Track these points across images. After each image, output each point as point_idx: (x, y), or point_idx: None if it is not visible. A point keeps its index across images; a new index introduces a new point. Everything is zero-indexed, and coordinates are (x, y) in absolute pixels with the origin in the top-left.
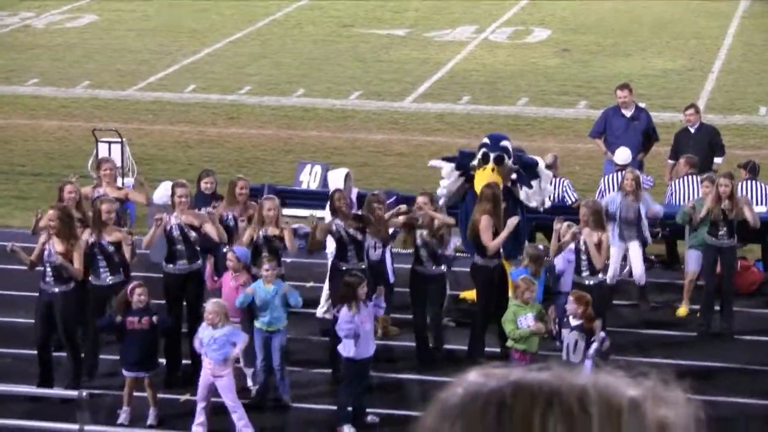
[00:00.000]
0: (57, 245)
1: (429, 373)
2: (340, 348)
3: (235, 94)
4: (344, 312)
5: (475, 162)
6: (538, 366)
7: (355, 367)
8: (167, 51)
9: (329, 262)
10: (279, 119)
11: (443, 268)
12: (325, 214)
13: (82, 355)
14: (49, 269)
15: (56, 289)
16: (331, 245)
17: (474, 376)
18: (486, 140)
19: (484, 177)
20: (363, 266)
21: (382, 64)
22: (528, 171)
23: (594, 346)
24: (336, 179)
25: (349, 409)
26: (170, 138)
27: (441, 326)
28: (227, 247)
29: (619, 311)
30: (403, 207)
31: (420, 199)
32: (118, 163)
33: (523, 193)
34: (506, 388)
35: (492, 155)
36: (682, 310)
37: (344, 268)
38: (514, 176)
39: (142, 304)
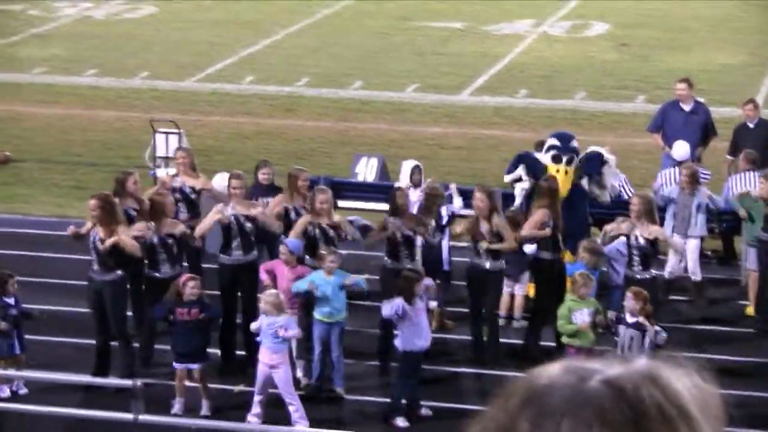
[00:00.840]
0: (101, 233)
1: (483, 367)
2: (396, 342)
3: (293, 86)
4: (397, 303)
5: (544, 161)
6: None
7: (410, 359)
8: (225, 42)
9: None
10: (336, 111)
11: (502, 263)
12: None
13: (137, 345)
14: (95, 258)
15: (103, 278)
16: None
17: (562, 372)
18: (555, 141)
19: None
20: (411, 266)
21: (439, 57)
22: (592, 163)
23: (647, 340)
24: (404, 171)
25: (403, 401)
26: (227, 129)
27: (497, 320)
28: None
29: (676, 306)
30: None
31: (478, 196)
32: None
33: (592, 188)
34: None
35: (564, 157)
36: (750, 309)
37: (395, 267)
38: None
39: (194, 296)
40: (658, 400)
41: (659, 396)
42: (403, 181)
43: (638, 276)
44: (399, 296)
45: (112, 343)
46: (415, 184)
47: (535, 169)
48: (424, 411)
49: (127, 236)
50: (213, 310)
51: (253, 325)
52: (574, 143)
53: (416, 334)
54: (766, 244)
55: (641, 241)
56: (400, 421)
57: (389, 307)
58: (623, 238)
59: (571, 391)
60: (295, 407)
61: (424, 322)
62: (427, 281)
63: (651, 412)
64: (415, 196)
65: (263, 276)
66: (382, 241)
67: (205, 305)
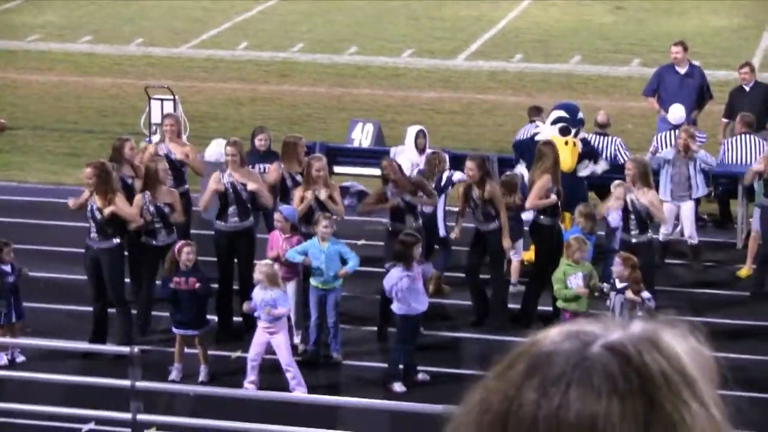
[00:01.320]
0: (97, 201)
1: (481, 332)
2: (393, 306)
3: (288, 52)
4: (396, 270)
5: (550, 133)
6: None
7: (408, 324)
8: (220, 9)
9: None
10: (331, 77)
11: (497, 223)
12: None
13: (134, 311)
14: (93, 225)
15: (100, 246)
16: None
17: (564, 338)
18: (563, 113)
19: (564, 150)
20: (416, 225)
21: (434, 21)
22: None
23: (639, 308)
24: (409, 135)
25: (401, 366)
26: (222, 96)
27: (501, 284)
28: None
29: (672, 270)
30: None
31: (468, 164)
32: None
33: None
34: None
35: (573, 129)
36: (743, 272)
37: (400, 230)
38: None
39: (190, 263)
40: (662, 366)
41: (663, 361)
42: (408, 145)
43: (634, 240)
44: (397, 262)
45: (109, 310)
46: (420, 149)
47: (531, 158)
48: (421, 376)
49: (124, 203)
50: (208, 286)
51: (245, 306)
52: (580, 115)
53: (413, 298)
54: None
55: (637, 205)
56: (398, 386)
57: (391, 281)
58: (620, 203)
59: (576, 358)
60: (292, 374)
61: (421, 286)
62: (427, 269)
63: (657, 379)
64: (419, 160)
65: (268, 250)
66: (379, 211)
67: (201, 274)
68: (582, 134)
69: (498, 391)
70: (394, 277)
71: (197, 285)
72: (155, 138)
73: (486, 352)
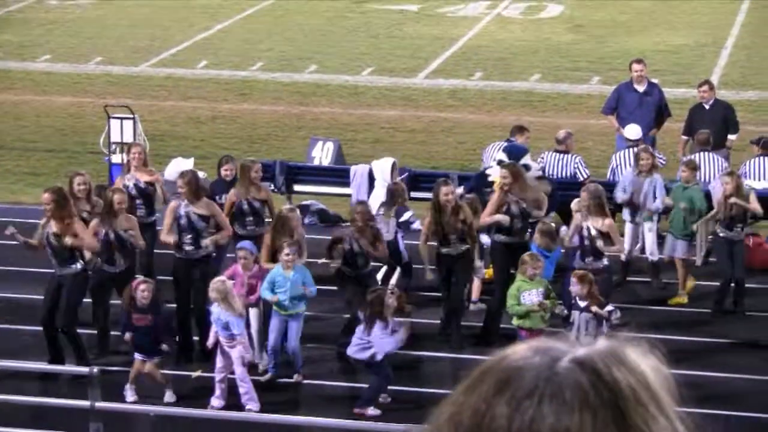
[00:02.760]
0: (54, 227)
1: (444, 351)
2: (373, 353)
3: (248, 70)
4: (377, 328)
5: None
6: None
7: (386, 361)
8: (179, 27)
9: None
10: (291, 95)
11: (467, 246)
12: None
13: (93, 332)
14: (50, 252)
15: (63, 272)
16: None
17: (532, 353)
18: (505, 156)
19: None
20: (369, 270)
21: (394, 40)
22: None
23: (605, 323)
24: (383, 169)
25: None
26: (182, 114)
27: (463, 305)
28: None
29: (632, 288)
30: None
31: (444, 190)
32: (130, 140)
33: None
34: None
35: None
36: (681, 299)
37: (351, 275)
38: None
39: (146, 300)
40: (630, 381)
41: (630, 377)
42: (383, 179)
43: (591, 267)
44: (373, 317)
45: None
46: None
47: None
48: (382, 398)
49: (83, 230)
50: (166, 324)
51: (210, 341)
52: (525, 160)
53: (389, 340)
54: (725, 241)
55: (593, 232)
56: (371, 411)
57: (387, 346)
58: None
59: (547, 372)
60: (245, 389)
61: (389, 329)
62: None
63: (627, 393)
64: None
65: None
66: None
67: (159, 310)
68: (532, 159)
69: (468, 406)
70: (388, 342)
71: (155, 318)
72: (115, 157)
73: (449, 371)
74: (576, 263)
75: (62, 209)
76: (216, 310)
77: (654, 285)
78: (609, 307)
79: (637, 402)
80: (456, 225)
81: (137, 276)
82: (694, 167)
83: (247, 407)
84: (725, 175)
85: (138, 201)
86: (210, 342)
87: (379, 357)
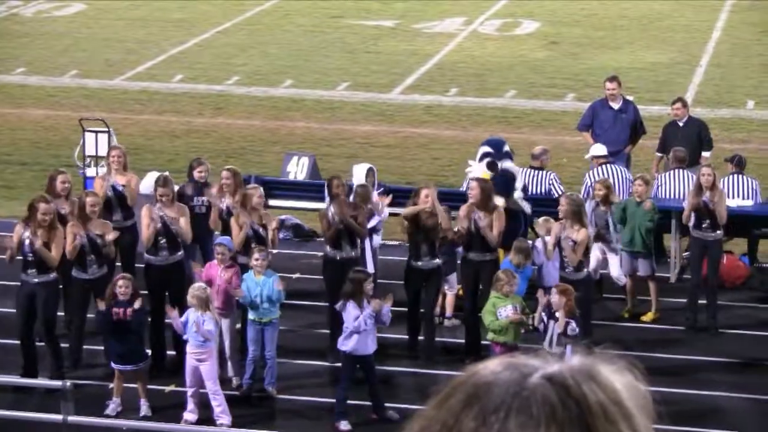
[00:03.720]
0: (41, 236)
1: (417, 366)
2: (340, 343)
3: (223, 85)
4: (350, 308)
5: (479, 168)
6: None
7: (352, 362)
8: (155, 41)
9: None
10: (266, 110)
11: (438, 261)
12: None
13: (67, 345)
14: (30, 260)
15: (37, 280)
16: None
17: (502, 368)
18: (488, 148)
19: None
20: (355, 254)
21: (370, 55)
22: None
23: (566, 332)
24: (359, 174)
25: (347, 403)
26: (157, 128)
27: (433, 320)
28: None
29: (606, 305)
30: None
31: (424, 192)
32: (104, 153)
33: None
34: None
35: (499, 163)
36: (649, 316)
37: (338, 257)
38: None
39: (126, 296)
40: (600, 398)
41: (600, 393)
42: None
43: (571, 277)
44: (349, 299)
45: (38, 343)
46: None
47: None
48: (390, 413)
49: (61, 241)
50: (140, 316)
51: (175, 323)
52: (506, 148)
53: (362, 337)
54: (697, 242)
55: (570, 242)
56: (344, 425)
57: (353, 321)
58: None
59: (516, 387)
60: (218, 402)
61: (371, 326)
62: (385, 309)
63: (595, 410)
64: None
65: (198, 276)
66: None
67: (139, 306)
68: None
69: (437, 421)
70: (354, 316)
71: (129, 310)
72: (89, 171)
73: (423, 385)
74: (556, 275)
75: (54, 221)
76: (193, 316)
77: (628, 301)
78: (572, 324)
79: (607, 418)
80: (431, 228)
81: None
82: (608, 186)
83: (219, 421)
84: (640, 179)
85: (113, 204)
86: (175, 324)
87: (349, 327)
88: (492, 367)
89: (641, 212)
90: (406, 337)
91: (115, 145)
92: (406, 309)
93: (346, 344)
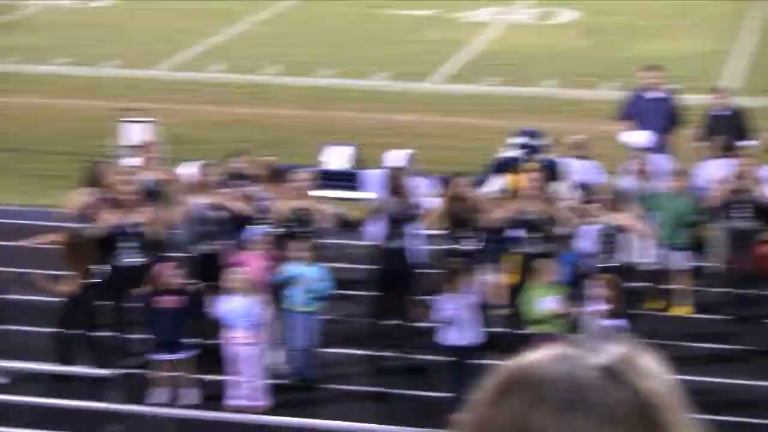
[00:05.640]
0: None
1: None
2: (440, 336)
3: (263, 75)
4: (445, 297)
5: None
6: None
7: (456, 354)
8: (196, 31)
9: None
10: (306, 100)
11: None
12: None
13: (113, 334)
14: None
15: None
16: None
17: (557, 361)
18: (525, 139)
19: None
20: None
21: (409, 44)
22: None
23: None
24: (395, 158)
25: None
26: (198, 118)
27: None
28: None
29: (638, 293)
30: None
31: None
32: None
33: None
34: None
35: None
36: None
37: (389, 246)
38: None
39: (176, 282)
40: (657, 388)
41: (655, 383)
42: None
43: (606, 264)
44: (446, 286)
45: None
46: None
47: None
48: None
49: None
50: (194, 299)
51: (219, 308)
52: (541, 140)
53: (462, 327)
54: (735, 232)
55: (608, 229)
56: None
57: (446, 310)
58: (594, 227)
59: (577, 384)
60: (256, 386)
61: (468, 316)
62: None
63: (658, 400)
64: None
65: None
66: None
67: (185, 293)
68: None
69: (498, 419)
70: (445, 310)
71: (184, 298)
72: (129, 160)
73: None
74: (594, 263)
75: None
76: (235, 304)
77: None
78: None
79: (667, 409)
80: (469, 215)
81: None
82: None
83: (258, 406)
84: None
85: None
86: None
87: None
88: (543, 360)
89: (681, 204)
90: None
91: (150, 140)
92: None
93: (444, 336)
